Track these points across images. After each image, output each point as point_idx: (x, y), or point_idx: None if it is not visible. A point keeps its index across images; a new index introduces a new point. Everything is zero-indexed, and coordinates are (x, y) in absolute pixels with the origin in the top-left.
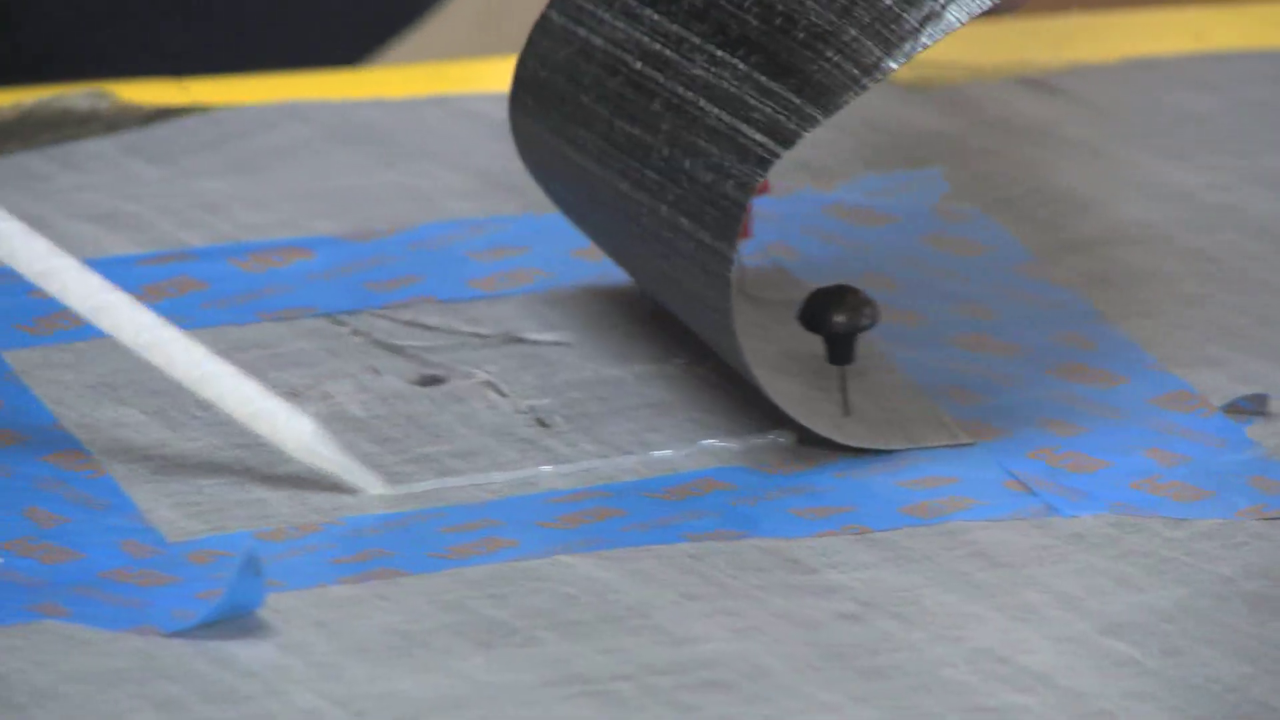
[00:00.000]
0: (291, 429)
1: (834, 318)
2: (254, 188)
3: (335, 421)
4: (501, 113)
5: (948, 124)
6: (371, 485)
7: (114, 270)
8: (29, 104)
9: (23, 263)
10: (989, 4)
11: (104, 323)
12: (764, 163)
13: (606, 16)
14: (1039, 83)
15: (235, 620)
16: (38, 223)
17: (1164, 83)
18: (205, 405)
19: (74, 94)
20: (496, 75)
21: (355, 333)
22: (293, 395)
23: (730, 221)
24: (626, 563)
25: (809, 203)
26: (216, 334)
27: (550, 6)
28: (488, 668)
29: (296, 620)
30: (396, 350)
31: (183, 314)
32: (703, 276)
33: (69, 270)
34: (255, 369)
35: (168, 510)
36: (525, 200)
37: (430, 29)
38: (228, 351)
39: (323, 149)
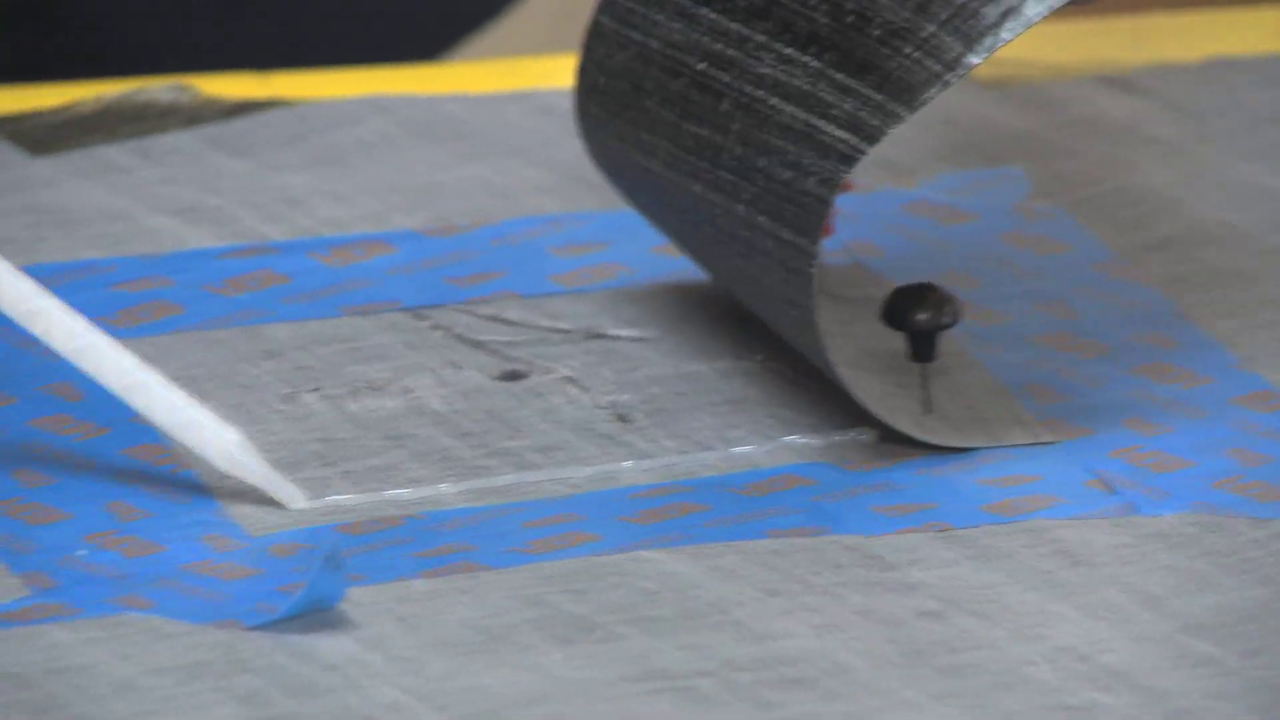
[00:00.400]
0: (216, 440)
1: (916, 315)
2: (335, 182)
3: (415, 415)
4: None
5: (1028, 122)
6: (294, 500)
7: (195, 263)
8: (111, 97)
9: None
10: (1061, 1)
11: (36, 328)
12: (848, 159)
13: (660, 18)
14: (1120, 81)
15: (316, 614)
16: (119, 215)
17: (1246, 82)
18: (287, 399)
19: (156, 87)
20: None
21: (436, 327)
22: (373, 389)
23: (813, 218)
24: (707, 559)
25: (890, 200)
26: (297, 328)
27: (599, 11)
28: (568, 663)
29: (377, 614)
30: (477, 345)
31: (264, 308)
32: (782, 273)
33: (1, 275)
34: (336, 363)
35: (249, 504)
36: (606, 196)
37: (509, 24)
38: (309, 345)
39: (404, 143)
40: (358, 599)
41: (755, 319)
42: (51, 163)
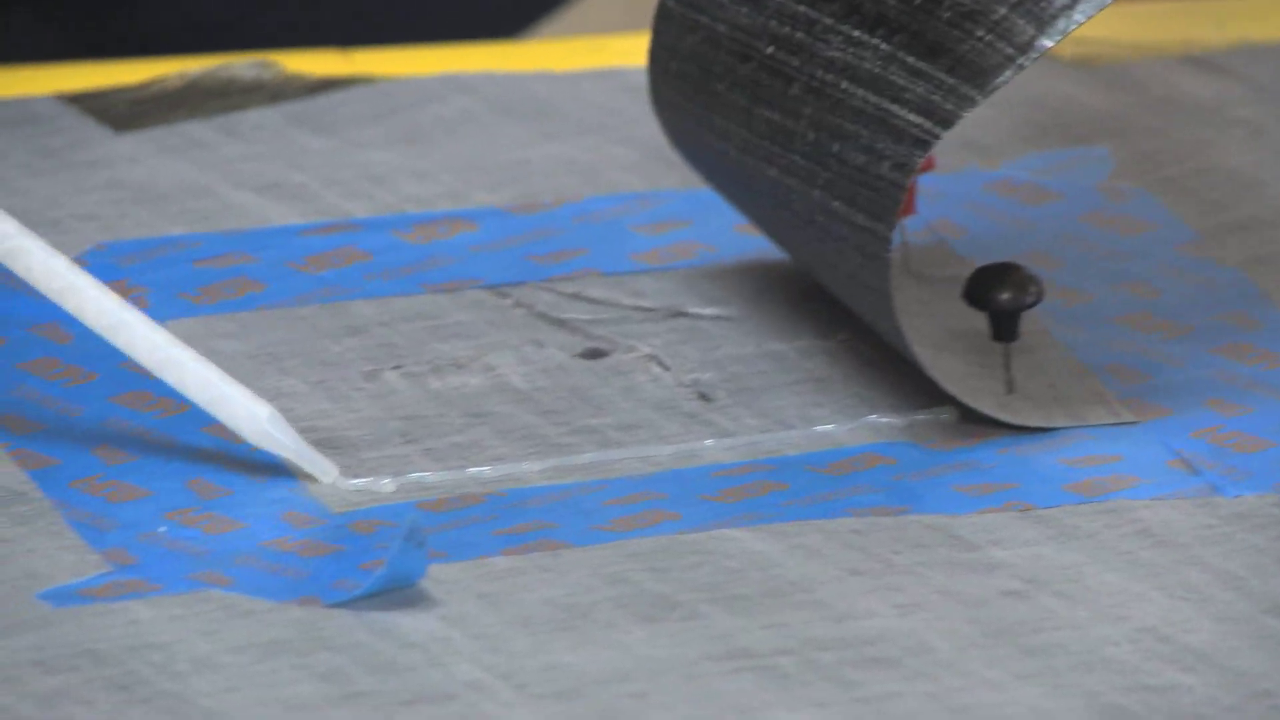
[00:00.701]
0: (248, 414)
1: (999, 295)
2: (418, 159)
3: (497, 393)
4: None
5: (1112, 102)
6: (327, 474)
7: (278, 240)
8: (195, 73)
9: None
10: None
11: (69, 304)
12: (922, 144)
13: (726, 1)
14: (1205, 61)
15: (397, 591)
16: (203, 192)
17: None
18: (369, 376)
19: (240, 64)
20: None
21: (518, 305)
22: (456, 366)
23: (888, 202)
24: (790, 537)
25: (974, 180)
26: (380, 305)
27: None
28: (650, 641)
29: (459, 592)
30: (559, 323)
31: (347, 284)
32: (859, 258)
33: (35, 252)
34: (419, 340)
35: (330, 481)
36: (688, 174)
37: (587, 4)
38: (391, 322)
39: (487, 121)
40: (439, 576)
41: (834, 299)
42: (135, 139)
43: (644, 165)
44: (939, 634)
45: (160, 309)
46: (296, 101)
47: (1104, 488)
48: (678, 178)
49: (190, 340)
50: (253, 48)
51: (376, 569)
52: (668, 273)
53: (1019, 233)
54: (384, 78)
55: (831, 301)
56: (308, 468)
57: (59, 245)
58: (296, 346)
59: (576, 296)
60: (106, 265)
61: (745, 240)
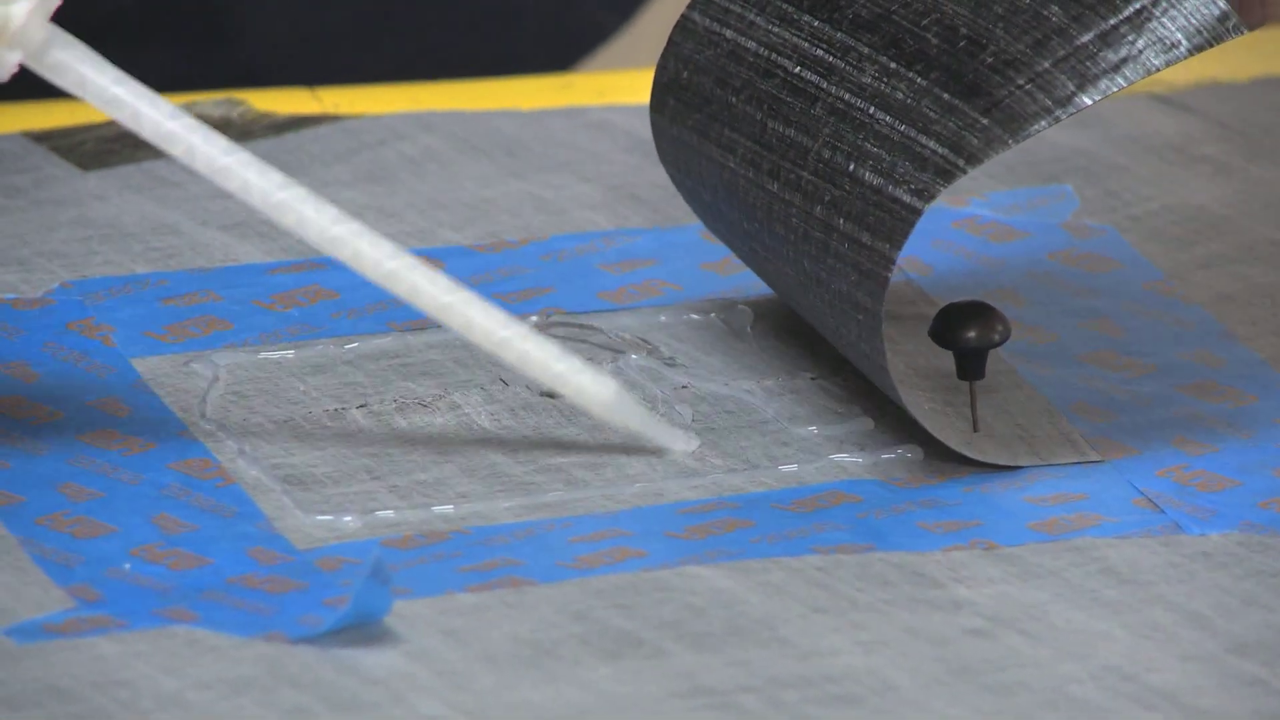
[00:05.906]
0: (595, 390)
1: (966, 333)
2: (385, 197)
3: (464, 432)
4: (631, 124)
5: (1079, 141)
6: (679, 442)
7: (244, 278)
8: None
9: (256, 195)
10: (1184, 55)
11: (399, 288)
12: (945, 174)
13: (758, 20)
14: (1170, 100)
15: (362, 627)
16: (170, 230)
17: None
18: (335, 415)
19: (207, 102)
20: (627, 87)
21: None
22: (421, 405)
23: (900, 225)
24: (754, 575)
25: (941, 218)
26: (346, 343)
27: (691, 8)
28: (615, 678)
29: (423, 628)
30: None
31: (313, 322)
32: (856, 275)
33: (415, 274)
34: (384, 378)
35: (295, 518)
36: (654, 213)
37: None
38: (357, 361)
39: (453, 159)
40: (403, 613)
41: (804, 338)
42: (102, 177)
43: (611, 203)
44: (903, 672)
45: (126, 347)
46: (264, 140)
47: (1068, 526)
48: (645, 216)
49: (157, 378)
50: (223, 86)
51: (341, 605)
52: (634, 311)
53: (985, 271)
54: (350, 116)
55: (798, 340)
56: (659, 440)
57: (26, 284)
58: (262, 384)
59: (543, 334)
60: (73, 303)
61: (712, 279)
